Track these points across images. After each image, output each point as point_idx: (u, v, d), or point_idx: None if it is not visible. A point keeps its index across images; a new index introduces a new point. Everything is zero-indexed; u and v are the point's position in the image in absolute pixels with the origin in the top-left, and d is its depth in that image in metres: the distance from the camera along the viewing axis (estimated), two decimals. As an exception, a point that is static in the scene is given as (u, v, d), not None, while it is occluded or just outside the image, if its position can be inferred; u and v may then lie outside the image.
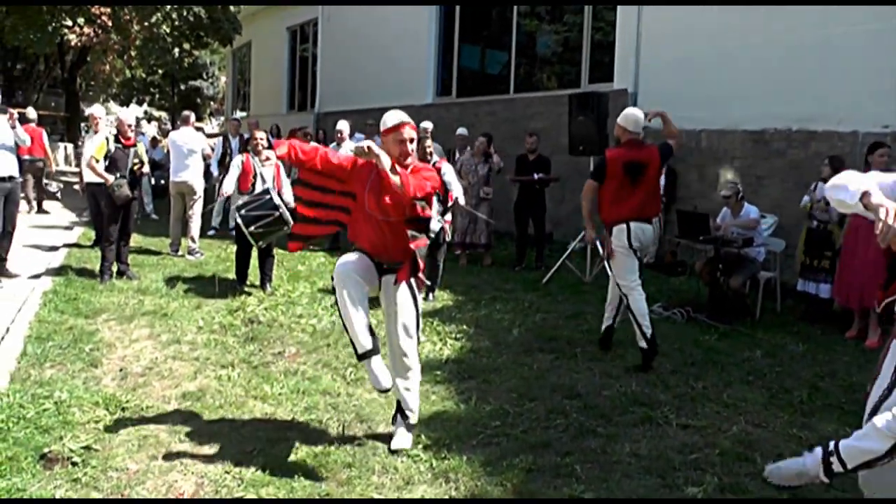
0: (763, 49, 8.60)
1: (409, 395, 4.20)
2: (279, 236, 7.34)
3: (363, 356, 3.88)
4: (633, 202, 5.55)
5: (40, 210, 13.90)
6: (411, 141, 3.94)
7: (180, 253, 9.66)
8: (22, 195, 9.59)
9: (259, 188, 7.57)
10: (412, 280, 4.13)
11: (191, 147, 9.68)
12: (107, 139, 7.87)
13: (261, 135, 8.02)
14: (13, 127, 8.02)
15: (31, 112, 13.77)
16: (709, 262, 7.39)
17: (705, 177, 9.36)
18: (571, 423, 4.52)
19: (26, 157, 12.37)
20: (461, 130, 10.75)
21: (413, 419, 4.22)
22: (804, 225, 7.30)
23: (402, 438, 4.13)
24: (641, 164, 5.54)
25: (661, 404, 4.83)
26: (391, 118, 3.97)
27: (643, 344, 5.55)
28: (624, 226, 5.56)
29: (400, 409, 4.24)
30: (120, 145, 7.87)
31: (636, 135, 5.70)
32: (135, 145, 8.03)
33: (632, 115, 5.73)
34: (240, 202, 7.28)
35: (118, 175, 7.72)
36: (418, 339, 4.26)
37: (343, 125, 10.24)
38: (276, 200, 7.03)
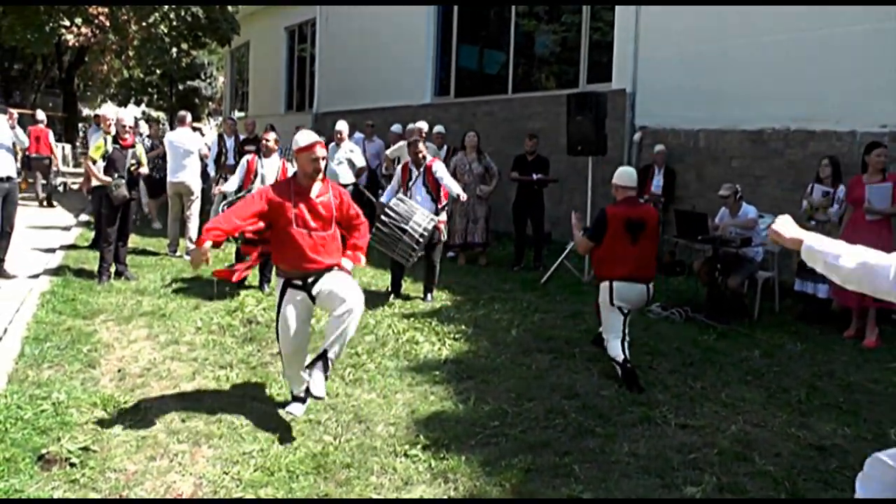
0: (761, 49, 8.61)
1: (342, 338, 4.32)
2: None
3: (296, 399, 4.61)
4: (629, 261, 5.35)
5: (49, 204, 14.73)
6: (323, 159, 4.31)
7: (178, 253, 9.64)
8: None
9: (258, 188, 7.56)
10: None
11: (187, 148, 9.60)
12: (104, 140, 7.86)
13: (270, 136, 8.01)
14: (13, 127, 8.01)
15: (40, 114, 15.09)
16: (707, 262, 7.39)
17: (703, 177, 9.37)
18: (570, 423, 4.52)
19: (34, 154, 14.36)
20: (438, 128, 10.69)
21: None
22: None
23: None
24: (642, 222, 5.41)
25: (660, 404, 4.84)
26: (304, 138, 4.30)
27: (619, 372, 5.29)
28: (607, 284, 5.39)
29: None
30: (118, 146, 7.86)
31: (633, 190, 5.58)
32: (133, 146, 8.02)
33: (626, 172, 5.62)
34: (226, 202, 7.27)
35: (116, 176, 7.71)
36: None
37: (342, 125, 10.22)
38: None
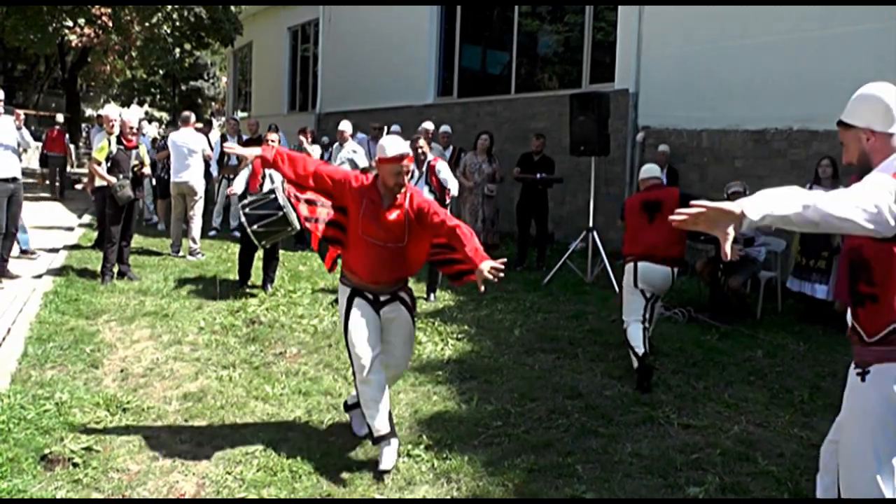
0: (764, 48, 8.61)
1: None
2: (283, 238, 7.37)
3: (379, 440, 3.93)
4: (648, 240, 5.50)
5: (62, 196, 16.37)
6: (408, 173, 3.88)
7: (181, 254, 9.65)
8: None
9: (267, 189, 7.60)
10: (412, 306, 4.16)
11: (191, 148, 9.63)
12: (108, 140, 7.88)
13: (273, 137, 8.06)
14: (19, 128, 8.01)
15: (60, 117, 17.24)
16: (709, 262, 7.39)
17: (706, 177, 9.37)
18: (573, 423, 4.52)
19: (51, 153, 16.74)
20: (444, 128, 10.71)
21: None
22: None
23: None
24: (658, 202, 5.55)
25: (663, 404, 4.84)
26: (392, 149, 3.82)
27: (636, 363, 5.35)
28: (632, 265, 5.56)
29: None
30: (122, 147, 7.88)
31: (655, 180, 5.88)
32: (136, 147, 8.04)
33: (647, 167, 6.01)
34: (244, 201, 7.27)
35: (120, 176, 7.74)
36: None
37: (345, 125, 10.24)
38: (282, 200, 6.96)
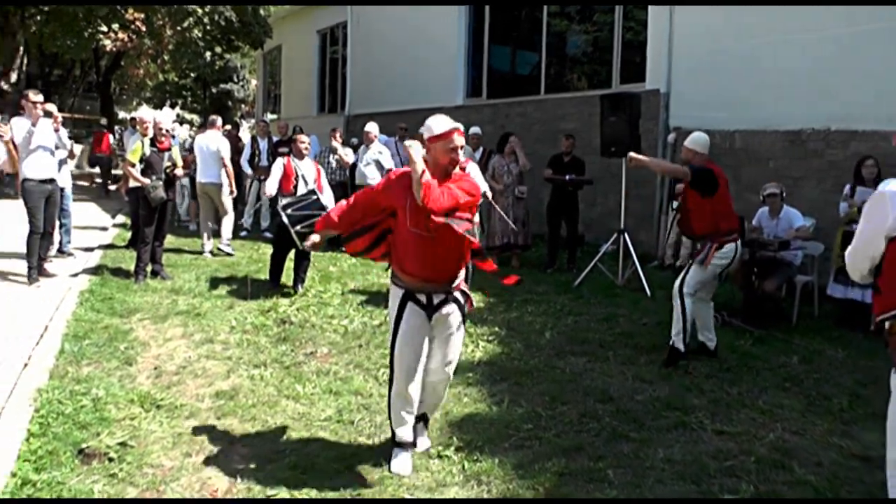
0: (799, 46, 8.48)
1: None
2: (324, 238, 7.44)
3: (400, 445, 3.95)
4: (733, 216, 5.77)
5: (108, 195, 17.09)
6: (462, 148, 3.66)
7: (209, 249, 9.91)
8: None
9: (302, 190, 7.69)
10: (464, 307, 3.93)
11: (216, 150, 9.88)
12: (142, 142, 8.01)
13: (304, 139, 8.14)
14: (56, 130, 8.16)
15: (103, 120, 18.89)
16: (743, 266, 7.29)
17: (739, 178, 9.24)
18: (604, 427, 4.49)
19: (98, 154, 18.05)
20: (474, 130, 10.76)
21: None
22: (840, 228, 7.18)
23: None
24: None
25: (696, 409, 4.79)
26: (439, 124, 3.63)
27: (680, 345, 5.60)
28: (735, 245, 5.73)
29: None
30: (155, 149, 8.02)
31: (707, 158, 5.90)
32: (169, 148, 8.17)
33: (702, 138, 5.94)
34: (284, 202, 7.37)
35: (154, 178, 7.87)
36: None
37: (371, 126, 10.37)
38: (324, 201, 7.18)
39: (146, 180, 7.83)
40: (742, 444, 4.31)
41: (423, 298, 3.78)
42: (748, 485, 3.79)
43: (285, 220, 7.05)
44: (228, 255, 9.86)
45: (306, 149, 8.11)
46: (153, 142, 8.06)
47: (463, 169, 7.21)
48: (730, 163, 9.36)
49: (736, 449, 4.23)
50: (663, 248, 9.72)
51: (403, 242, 3.75)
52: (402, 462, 3.88)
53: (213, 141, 9.98)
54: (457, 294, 3.87)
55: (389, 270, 3.97)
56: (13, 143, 7.37)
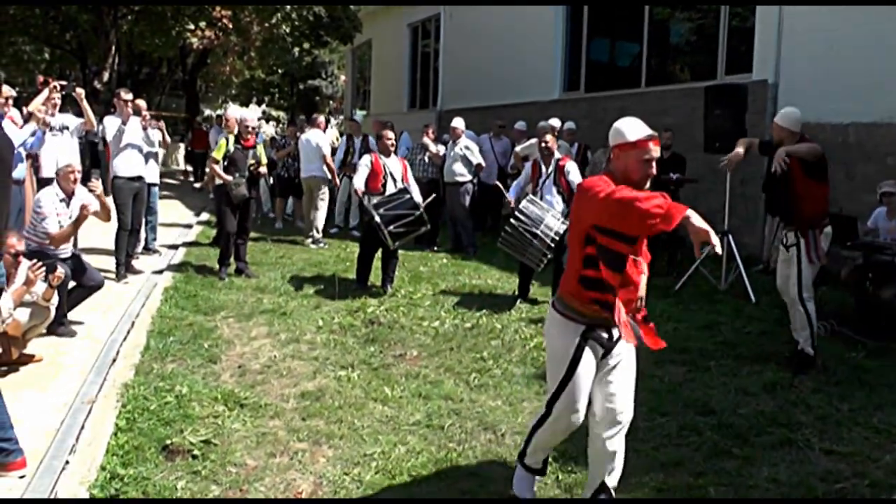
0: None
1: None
2: (415, 236, 7.74)
3: (527, 469, 3.63)
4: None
5: (194, 191, 18.40)
6: (654, 159, 3.24)
7: (310, 239, 10.73)
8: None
9: (391, 188, 7.83)
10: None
11: (316, 146, 10.77)
12: (227, 140, 8.28)
13: (390, 134, 8.26)
14: (144, 129, 8.51)
15: (207, 112, 19.86)
16: (856, 270, 6.95)
17: (853, 175, 8.78)
18: (705, 441, 4.35)
19: (196, 150, 20.06)
20: (569, 125, 10.68)
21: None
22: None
23: None
24: None
25: (803, 426, 4.58)
26: (633, 130, 3.23)
27: (810, 350, 5.61)
28: (831, 228, 5.72)
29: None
30: (239, 146, 8.29)
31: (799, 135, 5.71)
32: (254, 146, 8.40)
33: (795, 114, 5.70)
34: (375, 201, 7.50)
35: (237, 175, 8.11)
36: None
37: (458, 122, 10.56)
38: (417, 199, 7.37)
39: (228, 178, 8.09)
40: (854, 465, 4.10)
41: (604, 335, 3.34)
42: (862, 511, 3.61)
43: (378, 219, 7.17)
44: (321, 246, 10.56)
45: (392, 145, 8.23)
46: (237, 139, 8.31)
47: (562, 168, 7.23)
48: (842, 159, 8.89)
49: (847, 471, 4.03)
50: (768, 250, 9.38)
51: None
52: (526, 486, 3.60)
53: (315, 137, 10.90)
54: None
55: (551, 301, 3.54)
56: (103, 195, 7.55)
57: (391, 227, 7.21)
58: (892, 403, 5.03)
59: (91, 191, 6.15)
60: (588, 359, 3.30)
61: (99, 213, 6.30)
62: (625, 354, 3.38)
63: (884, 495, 3.77)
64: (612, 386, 3.35)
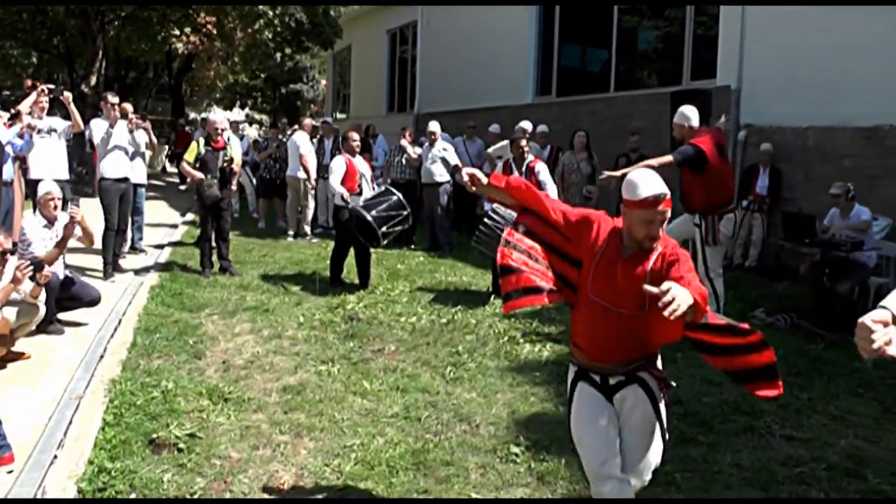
0: (875, 39, 8.08)
1: None
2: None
3: None
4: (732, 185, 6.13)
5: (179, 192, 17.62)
6: (663, 221, 2.89)
7: (291, 233, 11.21)
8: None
9: (366, 189, 8.01)
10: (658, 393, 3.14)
11: (297, 146, 11.04)
12: (197, 142, 8.28)
13: (355, 136, 8.30)
14: (131, 131, 8.46)
15: (192, 116, 18.68)
16: (814, 266, 7.07)
17: (812, 177, 8.92)
18: (672, 430, 4.38)
19: (179, 150, 18.11)
20: (541, 128, 10.81)
21: None
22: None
23: None
24: (723, 146, 6.01)
25: (765, 414, 4.68)
26: (645, 187, 2.85)
27: None
28: (732, 215, 6.08)
29: None
30: (210, 148, 8.24)
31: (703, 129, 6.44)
32: (224, 147, 8.33)
33: (687, 109, 6.50)
34: (362, 202, 7.55)
35: (208, 176, 8.09)
36: None
37: (434, 125, 10.56)
38: (402, 198, 7.58)
39: (199, 175, 8.05)
40: (812, 450, 4.20)
41: (595, 377, 3.14)
42: (818, 492, 3.71)
43: (371, 220, 7.22)
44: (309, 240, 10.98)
45: (358, 146, 8.34)
46: (208, 141, 8.28)
47: (532, 168, 7.28)
48: (801, 161, 9.06)
49: (806, 455, 4.13)
50: (732, 247, 9.50)
51: (580, 310, 3.15)
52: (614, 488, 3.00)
53: (298, 139, 11.27)
54: (642, 374, 3.12)
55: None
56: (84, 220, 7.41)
57: (384, 228, 7.30)
58: (849, 392, 5.16)
59: (72, 217, 6.04)
60: (582, 399, 3.15)
61: (82, 237, 6.27)
62: (635, 406, 3.10)
63: (840, 478, 3.85)
64: (623, 438, 3.12)
